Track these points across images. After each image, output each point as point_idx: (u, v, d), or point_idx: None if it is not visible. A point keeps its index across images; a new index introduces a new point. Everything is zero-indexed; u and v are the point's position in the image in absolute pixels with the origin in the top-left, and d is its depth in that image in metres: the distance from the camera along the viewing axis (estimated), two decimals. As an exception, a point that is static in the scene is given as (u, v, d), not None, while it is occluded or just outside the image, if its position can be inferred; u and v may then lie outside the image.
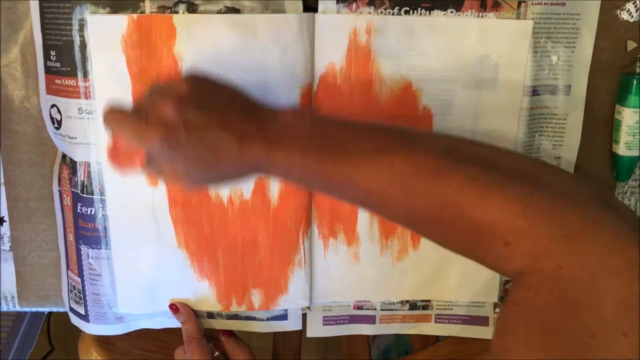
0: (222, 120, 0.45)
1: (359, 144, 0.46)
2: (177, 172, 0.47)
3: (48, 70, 0.59)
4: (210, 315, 0.66)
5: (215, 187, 0.59)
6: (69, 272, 0.65)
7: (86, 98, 0.58)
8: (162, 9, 0.56)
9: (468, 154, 0.45)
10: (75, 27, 0.56)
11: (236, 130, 0.45)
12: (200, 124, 0.45)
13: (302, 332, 0.68)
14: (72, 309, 0.66)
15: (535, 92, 0.60)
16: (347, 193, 0.48)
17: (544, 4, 0.58)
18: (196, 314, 0.65)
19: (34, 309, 0.68)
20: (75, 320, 0.66)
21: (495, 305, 0.67)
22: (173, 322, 0.66)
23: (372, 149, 0.46)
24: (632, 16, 0.60)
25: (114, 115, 0.47)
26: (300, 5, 0.57)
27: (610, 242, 0.39)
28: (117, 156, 0.49)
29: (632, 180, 0.65)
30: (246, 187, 0.61)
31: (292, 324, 0.67)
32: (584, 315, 0.38)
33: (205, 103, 0.46)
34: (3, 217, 0.65)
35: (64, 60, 0.57)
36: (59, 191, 0.63)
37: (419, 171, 0.44)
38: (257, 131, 0.46)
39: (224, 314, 0.66)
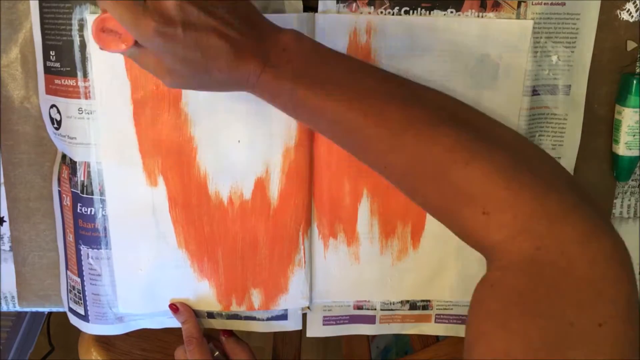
0: (221, 28, 0.44)
1: (352, 81, 0.45)
2: (162, 67, 0.46)
3: (48, 70, 0.59)
4: (210, 315, 0.66)
5: (192, 90, 0.55)
6: (68, 272, 0.65)
7: (86, 98, 0.58)
8: (162, 9, 0.56)
9: (461, 117, 0.45)
10: (75, 27, 0.56)
11: (233, 41, 0.45)
12: (199, 26, 0.44)
13: (302, 332, 0.68)
14: (71, 309, 0.66)
15: (535, 92, 0.60)
16: (331, 130, 0.47)
17: (544, 4, 0.58)
18: (196, 314, 0.65)
19: (34, 309, 0.68)
20: (74, 320, 0.66)
21: (495, 305, 0.67)
22: (173, 322, 0.66)
23: (363, 90, 0.45)
24: (632, 16, 0.60)
25: None
26: (300, 5, 0.57)
27: (587, 230, 0.39)
28: (103, 32, 0.46)
29: (632, 180, 0.65)
30: (246, 187, 0.61)
31: (292, 324, 0.67)
32: (562, 301, 0.38)
33: (209, 6, 0.44)
34: (3, 217, 0.65)
35: (64, 61, 0.57)
36: (59, 191, 0.63)
37: (409, 124, 0.43)
38: (254, 47, 0.45)
39: (224, 313, 0.66)
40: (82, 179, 0.60)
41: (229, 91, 0.49)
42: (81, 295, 0.64)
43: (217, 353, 0.65)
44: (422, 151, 0.43)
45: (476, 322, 0.41)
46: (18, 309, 0.68)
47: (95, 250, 0.62)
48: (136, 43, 0.46)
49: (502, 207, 0.40)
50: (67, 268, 0.65)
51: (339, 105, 0.45)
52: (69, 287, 0.65)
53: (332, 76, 0.46)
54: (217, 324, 0.67)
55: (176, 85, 0.47)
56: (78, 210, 0.61)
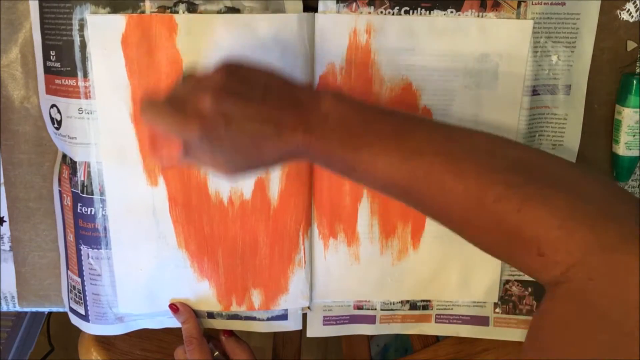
0: (260, 110, 0.45)
1: (398, 138, 0.46)
2: (217, 162, 0.47)
3: (48, 70, 0.59)
4: (211, 315, 0.66)
5: (256, 174, 0.58)
6: (69, 272, 0.65)
7: (86, 98, 0.58)
8: (162, 8, 0.56)
9: (509, 159, 0.45)
10: (75, 27, 0.56)
11: (275, 119, 0.45)
12: (238, 115, 0.44)
13: (302, 332, 0.68)
14: (71, 309, 0.66)
15: (535, 92, 0.61)
16: (384, 188, 0.47)
17: (544, 3, 0.58)
18: (196, 314, 0.65)
19: (34, 309, 0.68)
20: (75, 320, 0.66)
21: (495, 305, 0.67)
22: (173, 322, 0.66)
23: (412, 147, 0.45)
24: (632, 16, 0.60)
25: (151, 107, 0.46)
26: (300, 5, 0.57)
27: None
28: (157, 148, 0.48)
29: (632, 180, 0.65)
30: (246, 187, 0.61)
31: (292, 324, 0.67)
32: (609, 328, 0.38)
33: (242, 92, 0.45)
34: (3, 217, 0.65)
35: (64, 60, 0.57)
36: (59, 191, 0.63)
37: (459, 177, 0.44)
38: (296, 120, 0.46)
39: (224, 314, 0.66)
40: (82, 178, 0.60)
41: (289, 163, 0.50)
42: (81, 295, 0.64)
43: (217, 353, 0.65)
44: (474, 205, 0.43)
45: (526, 348, 0.42)
46: (18, 309, 0.68)
47: (95, 250, 0.62)
48: (187, 150, 0.47)
49: (556, 246, 0.40)
50: (67, 268, 0.65)
51: (388, 168, 0.45)
52: (69, 287, 0.65)
53: (378, 137, 0.46)
54: (217, 324, 0.67)
55: (237, 175, 0.48)
56: (78, 210, 0.61)
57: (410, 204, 0.48)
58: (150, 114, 0.46)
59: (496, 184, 0.43)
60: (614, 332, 0.38)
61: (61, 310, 0.68)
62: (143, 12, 0.56)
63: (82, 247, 0.62)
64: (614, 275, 0.38)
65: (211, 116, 0.44)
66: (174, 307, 0.64)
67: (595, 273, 0.39)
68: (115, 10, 0.56)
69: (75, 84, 0.58)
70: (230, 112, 0.44)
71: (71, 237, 0.63)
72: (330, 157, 0.46)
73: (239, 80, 0.46)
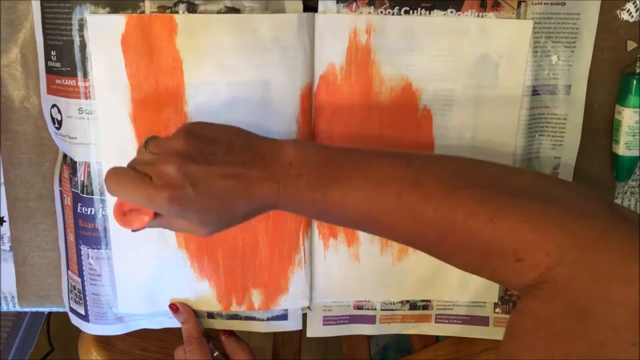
0: (224, 170, 0.46)
1: (364, 173, 0.47)
2: (189, 224, 0.48)
3: (49, 70, 0.59)
4: (211, 315, 0.66)
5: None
6: (69, 272, 0.65)
7: (86, 98, 0.58)
8: (162, 8, 0.56)
9: (475, 176, 0.46)
10: (75, 27, 0.56)
11: (240, 176, 0.46)
12: (205, 177, 0.45)
13: (302, 332, 0.68)
14: (72, 309, 0.66)
15: (535, 92, 0.61)
16: (358, 223, 0.48)
17: (544, 3, 0.58)
18: (196, 314, 0.65)
19: (34, 309, 0.68)
20: (75, 320, 0.66)
21: (495, 305, 0.67)
22: (173, 322, 0.65)
23: (377, 178, 0.46)
24: (632, 16, 0.60)
25: (116, 180, 0.46)
26: (300, 5, 0.57)
27: (622, 251, 0.39)
28: (125, 215, 0.49)
29: (632, 180, 0.65)
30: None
31: (292, 324, 0.67)
32: (593, 323, 0.38)
33: (205, 155, 0.46)
34: (3, 217, 0.65)
35: (64, 60, 0.57)
36: (60, 191, 0.63)
37: (427, 199, 0.44)
38: (262, 172, 0.47)
39: (224, 314, 0.66)
40: (83, 179, 0.60)
41: (260, 214, 0.50)
42: (81, 295, 0.64)
43: (217, 353, 0.65)
44: (446, 224, 0.44)
45: (504, 345, 0.42)
46: (18, 309, 0.68)
47: (95, 250, 0.62)
48: (157, 214, 0.48)
49: (534, 249, 0.41)
50: (68, 268, 0.65)
51: (358, 202, 0.46)
52: (69, 287, 0.65)
53: (343, 173, 0.47)
54: (217, 324, 0.67)
55: (211, 232, 0.49)
56: (78, 210, 0.61)
57: (386, 235, 0.49)
58: (116, 186, 0.46)
59: (465, 201, 0.43)
60: (601, 329, 0.38)
61: (61, 310, 0.68)
62: (143, 12, 0.56)
63: (82, 247, 0.62)
64: (595, 272, 0.39)
65: (177, 183, 0.45)
66: (173, 307, 0.64)
67: (577, 270, 0.39)
68: (115, 10, 0.56)
69: (75, 84, 0.58)
70: (195, 176, 0.45)
71: (71, 237, 0.63)
72: (300, 202, 0.47)
73: (200, 142, 0.47)
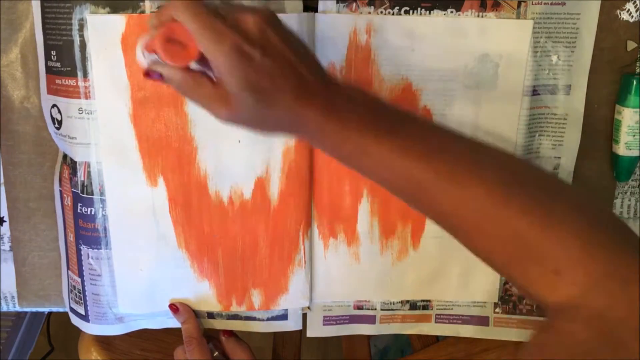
0: (295, 61, 0.43)
1: (420, 137, 0.44)
2: (219, 94, 0.43)
3: (49, 70, 0.59)
4: (211, 315, 0.66)
5: (251, 129, 0.49)
6: (69, 272, 0.65)
7: (86, 98, 0.58)
8: (162, 9, 0.56)
9: (531, 175, 0.45)
10: (75, 27, 0.56)
11: (303, 77, 0.43)
12: (276, 53, 0.43)
13: (302, 332, 0.68)
14: (72, 309, 0.66)
15: (535, 92, 0.61)
16: (396, 184, 0.45)
17: (544, 3, 0.58)
18: (196, 314, 0.65)
19: (34, 309, 0.68)
20: (75, 320, 0.66)
21: (495, 305, 0.67)
22: (173, 322, 0.65)
23: (433, 147, 0.44)
24: (632, 16, 0.60)
25: (188, 6, 0.42)
26: (300, 5, 0.57)
27: None
28: (167, 40, 0.43)
29: (632, 180, 0.65)
30: (246, 187, 0.61)
31: (292, 324, 0.67)
32: (625, 355, 0.38)
33: (287, 37, 0.44)
34: (3, 217, 0.65)
35: (64, 60, 0.57)
36: (60, 191, 0.63)
37: (482, 179, 0.43)
38: (321, 89, 0.44)
39: (224, 314, 0.66)
40: (82, 178, 0.60)
41: (280, 134, 0.47)
42: (82, 295, 0.64)
43: (216, 353, 0.65)
44: (493, 212, 0.42)
45: None
46: (18, 309, 0.68)
47: (95, 250, 0.62)
48: (200, 62, 0.44)
49: (575, 266, 0.40)
50: (68, 268, 0.65)
51: (408, 160, 0.44)
52: (70, 287, 0.65)
53: (399, 130, 0.44)
54: (217, 324, 0.67)
55: (231, 119, 0.45)
56: (78, 210, 0.61)
57: (416, 203, 0.47)
58: (186, 11, 0.42)
59: (521, 195, 0.42)
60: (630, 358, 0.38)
61: (61, 310, 0.68)
62: (143, 12, 0.56)
63: (82, 247, 0.62)
64: (632, 306, 0.38)
65: (251, 37, 0.42)
66: (173, 307, 0.64)
67: (615, 301, 0.39)
68: (115, 10, 0.56)
69: (75, 84, 0.58)
70: (270, 44, 0.42)
71: (71, 237, 0.63)
72: (343, 139, 0.44)
73: (283, 26, 0.44)
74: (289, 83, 0.43)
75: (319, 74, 0.45)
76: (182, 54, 0.44)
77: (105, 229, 0.61)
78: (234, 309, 0.65)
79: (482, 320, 0.68)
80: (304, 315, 0.67)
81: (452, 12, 0.58)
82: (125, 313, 0.64)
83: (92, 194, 0.60)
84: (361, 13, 0.58)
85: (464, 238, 0.46)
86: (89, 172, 0.60)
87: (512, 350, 0.70)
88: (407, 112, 0.47)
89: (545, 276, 0.41)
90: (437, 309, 0.67)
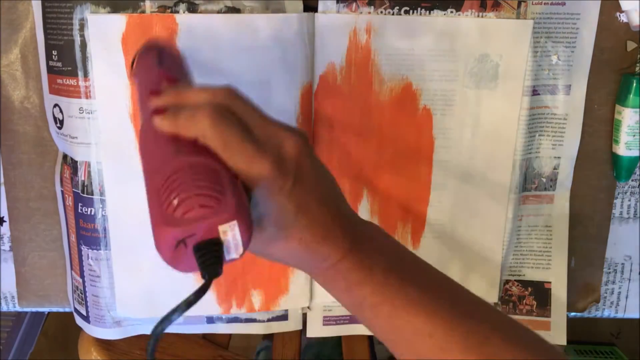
0: (324, 194, 0.41)
1: (438, 291, 0.41)
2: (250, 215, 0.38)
3: (50, 69, 0.59)
4: (210, 319, 0.66)
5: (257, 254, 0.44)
6: (72, 272, 0.65)
7: (87, 98, 0.58)
8: (163, 8, 0.56)
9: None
10: (76, 26, 0.56)
11: (328, 215, 0.41)
12: (309, 186, 0.40)
13: (302, 332, 0.68)
14: (76, 309, 0.66)
15: (535, 92, 0.61)
16: (412, 341, 0.41)
17: (544, 3, 0.58)
18: (195, 319, 0.65)
19: (34, 309, 0.68)
20: (79, 320, 0.66)
21: (495, 305, 0.67)
22: (171, 328, 0.65)
23: (475, 345, 0.40)
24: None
25: (217, 122, 0.38)
26: (300, 5, 0.57)
27: None
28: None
29: (632, 180, 0.65)
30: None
31: (292, 324, 0.67)
32: None
33: (318, 170, 0.41)
34: (3, 217, 0.65)
35: (65, 60, 0.57)
36: (62, 191, 0.63)
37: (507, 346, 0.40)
38: (344, 224, 0.41)
39: (224, 317, 0.66)
40: (83, 178, 0.60)
41: (293, 265, 0.44)
42: (83, 296, 0.64)
43: None
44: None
45: None
46: (18, 309, 0.68)
47: (94, 251, 0.62)
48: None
49: None
50: (71, 268, 0.65)
51: (432, 315, 0.40)
52: (73, 287, 0.65)
53: (422, 278, 0.42)
54: (218, 328, 0.66)
55: (254, 243, 0.39)
56: (79, 210, 0.61)
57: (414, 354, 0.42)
58: (214, 133, 0.38)
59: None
60: None
61: (61, 310, 0.68)
62: (143, 11, 0.56)
63: (82, 248, 0.62)
64: None
65: (285, 167, 0.39)
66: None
67: None
68: (115, 9, 0.56)
69: (76, 83, 0.58)
70: (303, 175, 0.40)
71: (73, 238, 0.63)
72: (363, 280, 0.41)
73: (314, 156, 0.42)
74: (312, 218, 0.40)
75: (342, 210, 0.43)
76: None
77: (104, 229, 0.61)
78: (234, 311, 0.65)
79: (482, 320, 0.68)
80: (304, 315, 0.67)
81: (452, 12, 0.58)
82: (123, 317, 0.64)
83: (92, 194, 0.60)
84: (361, 13, 0.58)
85: None
86: (89, 172, 0.60)
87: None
88: (425, 264, 0.44)
89: None
90: (437, 309, 0.67)
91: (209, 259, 0.35)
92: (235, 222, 0.35)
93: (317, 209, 0.40)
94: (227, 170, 0.37)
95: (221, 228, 0.35)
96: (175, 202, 0.34)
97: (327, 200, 0.41)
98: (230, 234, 0.35)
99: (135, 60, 0.49)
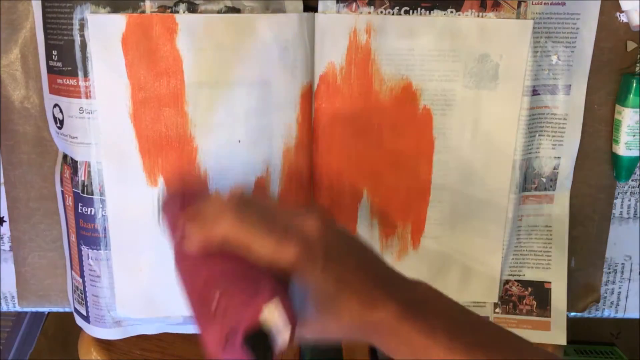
0: (363, 262, 0.41)
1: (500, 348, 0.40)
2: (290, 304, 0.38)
3: (50, 69, 0.59)
4: (210, 317, 0.66)
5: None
6: (72, 272, 0.65)
7: (87, 98, 0.58)
8: (163, 8, 0.56)
9: None
10: (76, 26, 0.56)
11: (375, 275, 0.40)
12: (340, 259, 0.40)
13: (302, 332, 0.68)
14: (76, 310, 0.66)
15: (535, 92, 0.61)
16: None
17: (544, 3, 0.58)
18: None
19: (34, 309, 0.68)
20: (79, 321, 0.66)
21: (495, 305, 0.67)
22: (172, 328, 0.65)
23: None
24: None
25: (241, 212, 0.39)
26: (300, 5, 0.57)
27: None
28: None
29: (632, 180, 0.65)
30: (246, 187, 0.60)
31: (292, 324, 0.67)
32: None
33: (347, 240, 0.42)
34: (3, 217, 0.65)
35: (65, 60, 0.57)
36: (62, 192, 0.63)
37: None
38: (396, 285, 0.41)
39: (224, 315, 0.66)
40: (83, 178, 0.60)
41: (352, 339, 0.43)
42: (83, 296, 0.64)
43: None
44: None
45: None
46: (18, 309, 0.68)
47: (94, 251, 0.62)
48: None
49: None
50: (71, 268, 0.65)
51: None
52: (73, 287, 0.65)
53: (484, 339, 0.41)
54: None
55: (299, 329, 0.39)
56: (79, 210, 0.61)
57: None
58: (239, 230, 0.39)
59: None
60: None
61: (61, 310, 0.68)
62: (143, 11, 0.56)
63: (82, 248, 0.62)
64: None
65: (313, 248, 0.39)
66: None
67: None
68: (115, 9, 0.56)
69: (76, 83, 0.58)
70: (332, 250, 0.39)
71: (73, 238, 0.63)
72: (425, 343, 0.39)
73: (340, 228, 0.42)
74: (353, 289, 0.39)
75: (383, 273, 0.42)
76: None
77: (104, 229, 0.61)
78: (234, 309, 0.65)
79: (482, 320, 0.68)
80: (304, 315, 0.67)
81: (452, 12, 0.58)
82: (123, 317, 0.64)
83: (92, 194, 0.60)
84: (361, 13, 0.58)
85: None
86: (89, 172, 0.60)
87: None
88: (481, 319, 0.44)
89: None
90: (437, 309, 0.67)
91: (260, 347, 0.36)
92: (277, 300, 0.36)
93: (356, 278, 0.40)
94: (258, 263, 0.39)
95: (265, 310, 0.36)
96: (217, 297, 0.36)
97: (364, 267, 0.41)
98: (275, 313, 0.36)
99: (161, 206, 0.53)
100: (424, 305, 0.41)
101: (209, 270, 0.40)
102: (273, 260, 0.39)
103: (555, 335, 0.67)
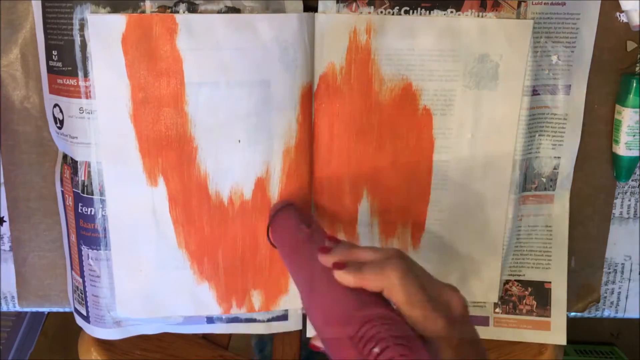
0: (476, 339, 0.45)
1: None
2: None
3: (50, 69, 0.59)
4: (210, 320, 0.66)
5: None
6: (72, 272, 0.65)
7: (87, 98, 0.58)
8: (163, 8, 0.56)
9: None
10: (76, 26, 0.56)
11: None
12: (469, 333, 0.44)
13: (302, 332, 0.68)
14: (76, 310, 0.66)
15: (535, 92, 0.61)
16: None
17: (544, 3, 0.58)
18: (195, 319, 0.65)
19: (34, 309, 0.68)
20: (79, 321, 0.66)
21: (495, 305, 0.67)
22: (171, 328, 0.65)
23: None
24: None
25: (404, 283, 0.42)
26: (300, 5, 0.57)
27: None
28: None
29: (632, 180, 0.65)
30: (246, 187, 0.61)
31: (292, 324, 0.67)
32: None
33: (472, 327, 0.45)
34: (3, 217, 0.65)
35: (65, 60, 0.57)
36: (62, 191, 0.63)
37: None
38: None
39: (224, 317, 0.66)
40: (83, 178, 0.60)
41: None
42: (83, 296, 0.64)
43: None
44: None
45: None
46: (18, 309, 0.68)
47: (94, 251, 0.62)
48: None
49: None
50: (72, 268, 0.65)
51: None
52: (73, 287, 0.65)
53: None
54: (217, 328, 0.66)
55: None
56: (79, 210, 0.61)
57: None
58: (401, 290, 0.42)
59: None
60: None
61: (61, 310, 0.68)
62: (143, 11, 0.56)
63: (82, 248, 0.62)
64: None
65: (458, 322, 0.43)
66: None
67: None
68: (115, 10, 0.56)
69: (76, 83, 0.58)
70: (467, 327, 0.44)
71: (73, 238, 0.63)
72: None
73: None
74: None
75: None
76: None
77: (104, 229, 0.61)
78: (234, 311, 0.65)
79: (482, 320, 0.68)
80: (304, 316, 0.67)
81: (452, 12, 0.58)
82: (123, 317, 0.64)
83: (92, 194, 0.60)
84: (361, 13, 0.58)
85: None
86: (89, 172, 0.60)
87: (512, 350, 0.70)
88: None
89: None
90: (437, 309, 0.67)
91: None
92: None
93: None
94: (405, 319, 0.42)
95: None
96: (377, 350, 0.38)
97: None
98: None
99: (271, 221, 0.57)
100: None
101: (364, 313, 0.41)
102: (419, 325, 0.41)
103: (555, 335, 0.67)
